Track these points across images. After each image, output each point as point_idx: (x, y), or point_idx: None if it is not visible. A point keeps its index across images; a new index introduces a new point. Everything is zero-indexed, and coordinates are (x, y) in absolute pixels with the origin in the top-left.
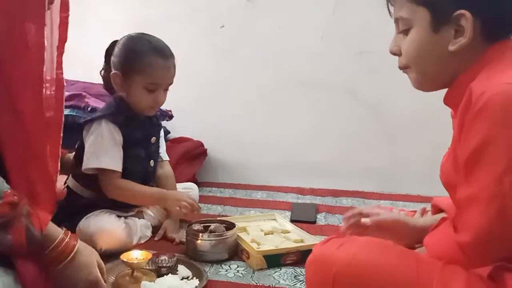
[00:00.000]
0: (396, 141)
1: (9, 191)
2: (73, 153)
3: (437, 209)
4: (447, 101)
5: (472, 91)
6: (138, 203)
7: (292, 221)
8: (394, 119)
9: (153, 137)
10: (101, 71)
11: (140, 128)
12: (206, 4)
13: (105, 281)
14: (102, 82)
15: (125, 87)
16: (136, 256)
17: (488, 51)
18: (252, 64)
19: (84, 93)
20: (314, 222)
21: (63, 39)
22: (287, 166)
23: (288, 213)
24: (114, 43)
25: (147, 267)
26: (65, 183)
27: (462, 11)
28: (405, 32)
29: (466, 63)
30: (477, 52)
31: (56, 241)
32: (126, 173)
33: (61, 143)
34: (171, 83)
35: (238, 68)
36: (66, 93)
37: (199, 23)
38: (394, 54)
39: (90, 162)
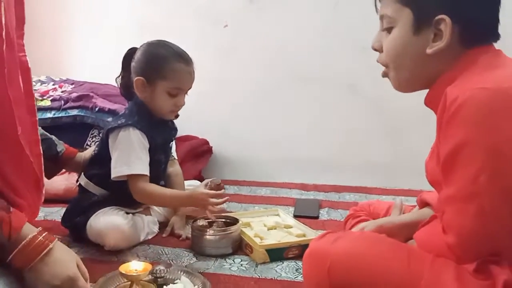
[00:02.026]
0: (398, 136)
1: None
2: (84, 151)
3: (424, 203)
4: (427, 102)
5: (447, 96)
6: (167, 207)
7: (296, 216)
8: (395, 114)
9: (172, 142)
10: (117, 77)
11: (161, 133)
12: (209, 4)
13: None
14: (109, 83)
15: (148, 92)
16: (136, 267)
17: (465, 56)
18: (255, 62)
19: (91, 94)
20: (317, 217)
21: (21, 20)
22: (291, 162)
23: (292, 209)
24: (131, 51)
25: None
26: (77, 181)
27: (443, 16)
28: (389, 30)
29: (444, 67)
30: (455, 57)
31: (23, 242)
32: None
33: (38, 127)
34: (190, 88)
35: (241, 66)
36: (74, 94)
37: (202, 22)
38: (376, 49)
39: (122, 170)
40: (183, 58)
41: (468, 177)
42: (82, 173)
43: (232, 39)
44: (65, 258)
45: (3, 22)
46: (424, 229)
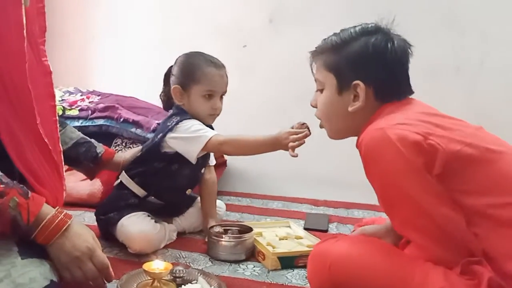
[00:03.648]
0: None
1: None
2: (124, 153)
3: None
4: (356, 146)
5: (358, 140)
6: (253, 153)
7: (306, 229)
8: None
9: None
10: (160, 94)
11: None
12: (230, 23)
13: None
14: (134, 96)
15: (185, 99)
16: (158, 266)
17: (379, 109)
18: (271, 80)
19: (117, 105)
20: (326, 231)
21: (42, 28)
22: (303, 178)
23: (302, 222)
24: (170, 68)
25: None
26: (117, 178)
27: (358, 81)
28: (321, 90)
29: (365, 119)
30: (372, 111)
31: (44, 222)
32: (179, 176)
33: (58, 125)
34: (225, 91)
35: (258, 83)
36: (101, 105)
37: (223, 41)
38: (313, 106)
39: (203, 139)
40: (214, 63)
41: (406, 199)
42: (124, 171)
43: (250, 58)
44: (83, 232)
45: (24, 22)
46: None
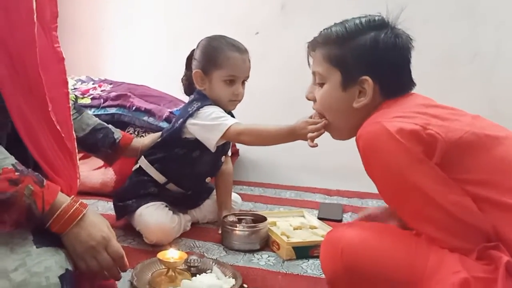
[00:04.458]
0: None
1: (9, 168)
2: (143, 138)
3: None
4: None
5: (357, 135)
6: (270, 144)
7: (319, 219)
8: None
9: None
10: (182, 78)
11: None
12: (241, 12)
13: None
14: (145, 84)
15: (207, 84)
16: (172, 255)
17: (381, 105)
18: (283, 69)
19: (129, 94)
20: (341, 221)
21: (54, 14)
22: (315, 167)
23: (316, 212)
24: (192, 52)
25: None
26: (136, 162)
27: (366, 77)
28: (321, 84)
29: (367, 115)
30: (375, 106)
31: (58, 211)
32: (200, 163)
33: (71, 113)
34: (247, 76)
35: (270, 73)
36: (113, 93)
37: (234, 30)
38: (309, 99)
39: (222, 127)
40: (236, 47)
41: (412, 190)
42: (143, 156)
43: (262, 46)
44: (98, 221)
45: (34, 7)
46: None
